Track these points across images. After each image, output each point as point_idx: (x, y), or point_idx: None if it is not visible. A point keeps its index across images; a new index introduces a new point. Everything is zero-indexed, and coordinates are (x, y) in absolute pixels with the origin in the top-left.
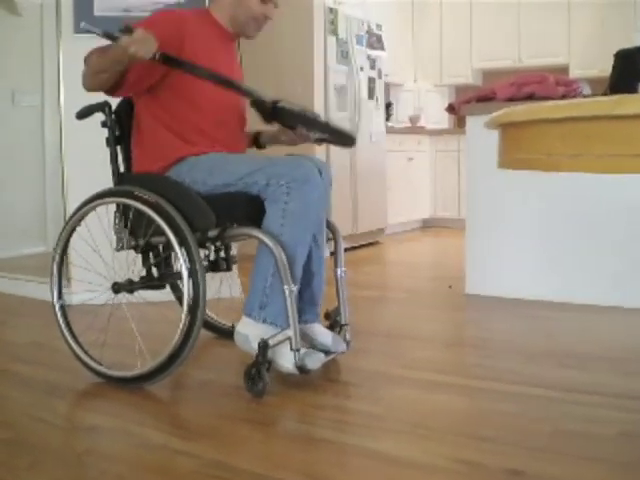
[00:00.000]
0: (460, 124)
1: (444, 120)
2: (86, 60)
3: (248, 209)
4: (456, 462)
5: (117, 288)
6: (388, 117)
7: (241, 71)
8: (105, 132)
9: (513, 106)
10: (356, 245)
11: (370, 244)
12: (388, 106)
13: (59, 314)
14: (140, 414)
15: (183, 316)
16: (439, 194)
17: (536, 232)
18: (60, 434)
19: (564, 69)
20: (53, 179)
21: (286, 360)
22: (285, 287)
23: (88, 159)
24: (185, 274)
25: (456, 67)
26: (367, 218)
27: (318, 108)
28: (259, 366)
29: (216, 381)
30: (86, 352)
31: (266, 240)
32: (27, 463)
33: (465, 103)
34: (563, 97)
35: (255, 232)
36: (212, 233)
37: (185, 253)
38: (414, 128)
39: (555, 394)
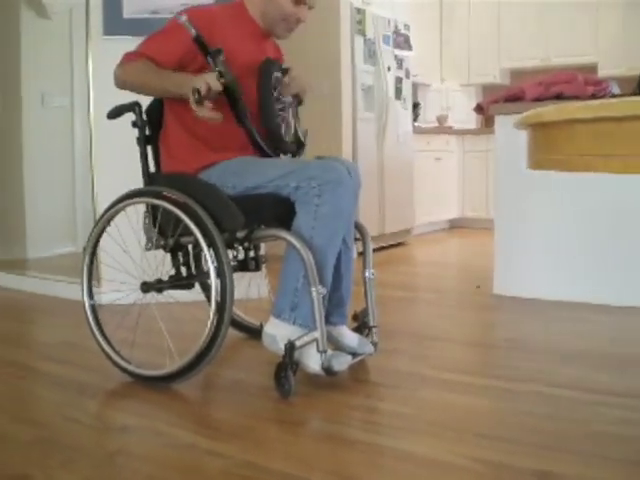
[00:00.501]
0: (488, 124)
1: (472, 120)
2: (129, 65)
3: (277, 210)
4: (484, 463)
5: (146, 288)
6: (415, 117)
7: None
8: (134, 133)
9: (542, 106)
10: (383, 245)
11: (397, 244)
12: (415, 106)
13: (89, 314)
14: (170, 414)
15: (211, 315)
16: (467, 194)
17: (566, 232)
18: (92, 433)
19: (592, 68)
20: (83, 179)
21: (313, 361)
22: (313, 289)
23: (117, 160)
24: (213, 274)
25: (484, 66)
26: (394, 218)
27: (345, 108)
28: (285, 367)
29: (245, 381)
30: (116, 351)
31: (294, 242)
32: (59, 462)
33: (493, 103)
34: (592, 97)
35: (284, 234)
36: (240, 234)
37: (213, 253)
38: (441, 128)
39: (587, 396)
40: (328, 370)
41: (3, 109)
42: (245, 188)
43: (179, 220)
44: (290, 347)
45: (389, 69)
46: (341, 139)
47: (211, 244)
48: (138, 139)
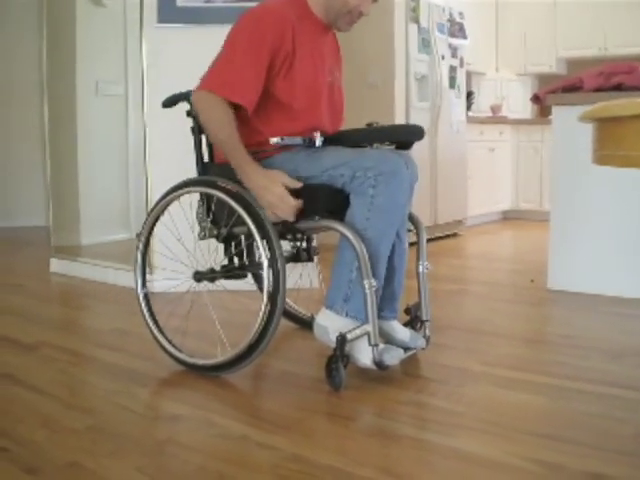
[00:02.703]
0: (543, 114)
1: (527, 110)
2: (215, 113)
3: (331, 201)
4: (536, 463)
5: (199, 277)
6: (469, 106)
7: (340, 61)
8: (188, 122)
9: (602, 97)
10: (435, 237)
11: (449, 235)
12: (469, 95)
13: (142, 302)
14: (220, 404)
15: (263, 305)
16: (520, 186)
17: (623, 227)
18: (142, 422)
19: None
20: (136, 167)
21: (364, 355)
22: (365, 282)
23: (171, 148)
24: (265, 264)
25: (540, 56)
26: (447, 209)
27: (399, 97)
28: (337, 360)
29: (296, 373)
30: (168, 340)
31: (348, 234)
32: (109, 450)
33: (551, 92)
34: None
35: (337, 225)
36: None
37: (266, 244)
38: (496, 118)
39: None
40: (380, 364)
41: (58, 96)
42: (298, 178)
43: (233, 210)
44: (341, 340)
45: (443, 58)
46: None
47: (264, 235)
48: (192, 128)
